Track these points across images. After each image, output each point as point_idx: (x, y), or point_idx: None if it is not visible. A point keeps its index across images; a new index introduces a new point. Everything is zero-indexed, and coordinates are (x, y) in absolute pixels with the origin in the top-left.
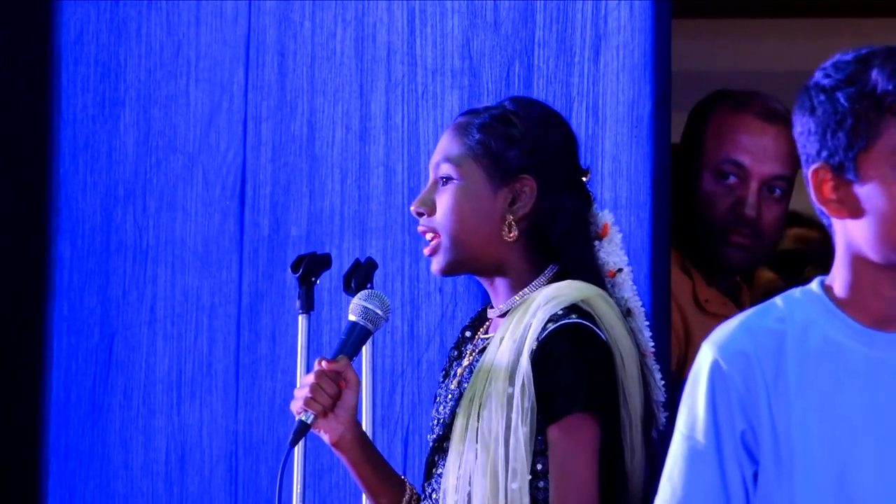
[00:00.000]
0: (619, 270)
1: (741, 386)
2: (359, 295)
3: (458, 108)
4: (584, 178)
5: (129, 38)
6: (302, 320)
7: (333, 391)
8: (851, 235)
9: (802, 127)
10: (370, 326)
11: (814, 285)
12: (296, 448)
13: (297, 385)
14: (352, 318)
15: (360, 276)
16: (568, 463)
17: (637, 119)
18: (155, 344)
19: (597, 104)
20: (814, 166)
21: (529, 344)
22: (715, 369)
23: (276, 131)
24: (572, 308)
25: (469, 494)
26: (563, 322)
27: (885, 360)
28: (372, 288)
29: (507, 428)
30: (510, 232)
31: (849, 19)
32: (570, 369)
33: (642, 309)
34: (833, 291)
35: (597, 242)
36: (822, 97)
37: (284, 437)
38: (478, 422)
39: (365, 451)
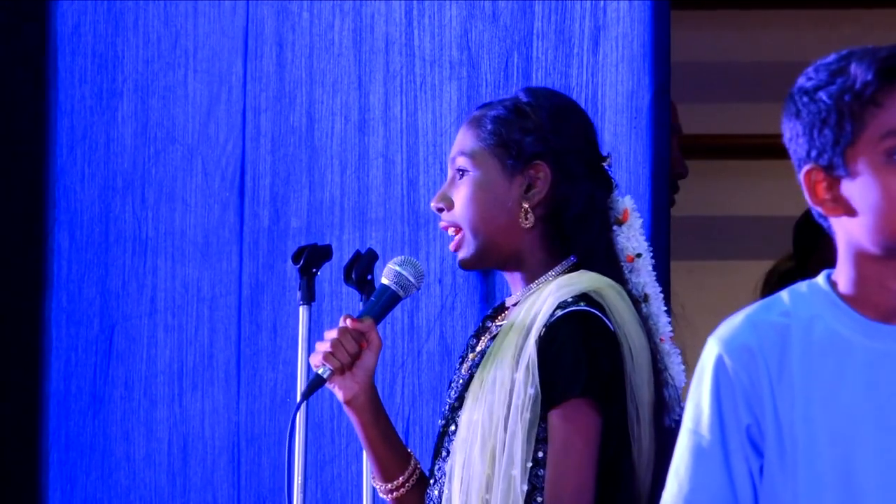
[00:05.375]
0: (639, 255)
1: (745, 380)
2: (394, 260)
3: (457, 100)
4: (604, 164)
5: (126, 29)
6: (303, 311)
7: (354, 349)
8: (850, 232)
9: (791, 132)
10: (401, 293)
11: (820, 279)
12: (297, 440)
13: (313, 347)
14: (384, 281)
15: (360, 267)
16: (564, 448)
17: (636, 110)
18: (156, 335)
19: (596, 95)
20: (805, 168)
21: (537, 329)
22: (719, 364)
23: (276, 122)
24: (582, 296)
25: (471, 477)
26: (570, 309)
27: (891, 353)
28: (372, 279)
29: (510, 414)
30: (526, 219)
31: (851, 10)
32: (572, 355)
33: (661, 294)
34: (838, 287)
35: (616, 228)
36: (806, 99)
37: (286, 428)
38: (483, 406)
39: (376, 415)
